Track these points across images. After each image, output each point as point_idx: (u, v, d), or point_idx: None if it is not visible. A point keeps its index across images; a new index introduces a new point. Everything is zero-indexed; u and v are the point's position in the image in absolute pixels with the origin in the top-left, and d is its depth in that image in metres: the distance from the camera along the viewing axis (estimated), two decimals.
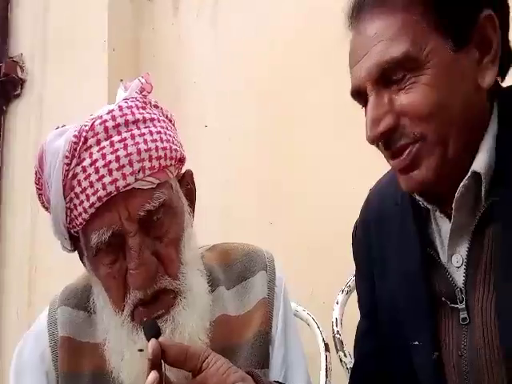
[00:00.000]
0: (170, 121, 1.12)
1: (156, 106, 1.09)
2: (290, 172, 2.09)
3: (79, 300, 1.17)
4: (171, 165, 1.06)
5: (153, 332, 0.88)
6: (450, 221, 0.88)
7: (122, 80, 1.12)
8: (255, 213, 2.13)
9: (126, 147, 0.98)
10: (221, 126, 2.27)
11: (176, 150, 1.06)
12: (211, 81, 2.32)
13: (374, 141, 0.85)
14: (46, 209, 1.09)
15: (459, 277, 0.89)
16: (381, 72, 0.81)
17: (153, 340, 0.85)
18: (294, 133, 2.10)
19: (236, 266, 1.21)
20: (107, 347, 1.07)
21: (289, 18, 2.16)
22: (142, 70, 2.43)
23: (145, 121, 1.03)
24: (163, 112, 1.10)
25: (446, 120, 0.80)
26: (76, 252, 1.13)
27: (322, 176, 1.98)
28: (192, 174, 1.17)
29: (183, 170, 1.16)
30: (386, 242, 1.03)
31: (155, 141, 1.02)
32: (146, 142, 1.00)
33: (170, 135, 1.07)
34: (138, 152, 0.99)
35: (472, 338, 0.87)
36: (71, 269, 1.25)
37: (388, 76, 0.81)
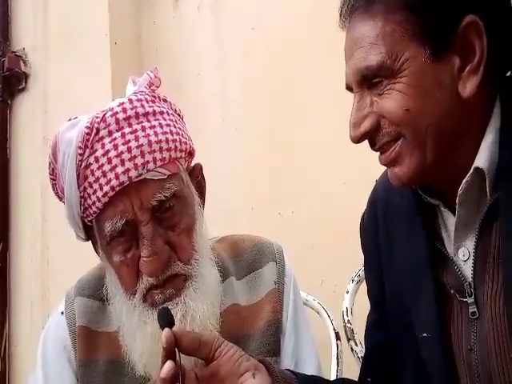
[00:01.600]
0: (179, 115, 1.15)
1: (165, 100, 1.12)
2: (298, 161, 2.10)
3: (93, 290, 1.20)
4: (181, 157, 1.09)
5: (167, 320, 0.90)
6: (454, 215, 0.89)
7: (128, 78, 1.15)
8: (265, 203, 2.14)
9: (137, 139, 1.01)
10: (226, 118, 2.29)
11: (185, 143, 1.09)
12: (215, 73, 2.33)
13: (356, 141, 0.88)
14: (60, 198, 1.12)
15: (467, 271, 0.90)
16: (361, 77, 0.85)
17: (166, 329, 0.87)
18: (303, 121, 2.10)
19: (246, 257, 1.24)
20: (121, 332, 1.11)
21: (291, 7, 2.16)
22: (144, 64, 2.47)
23: (154, 114, 1.06)
24: (172, 106, 1.13)
25: (420, 128, 0.81)
26: (89, 242, 1.17)
27: (333, 164, 1.98)
28: (201, 167, 1.20)
29: (192, 164, 1.19)
30: (394, 235, 1.04)
31: (165, 133, 1.05)
32: (156, 134, 1.03)
33: (180, 128, 1.10)
34: (149, 143, 1.02)
35: (481, 332, 0.87)
36: (83, 259, 1.30)
37: (368, 81, 0.85)
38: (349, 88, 0.91)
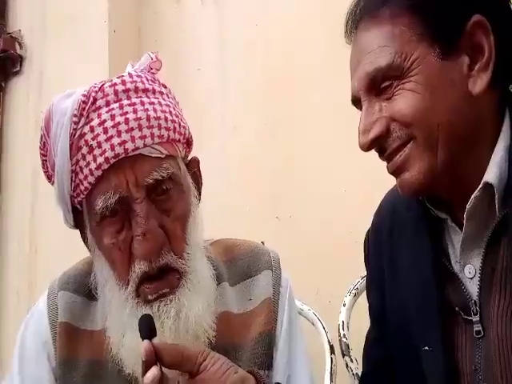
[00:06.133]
0: (177, 103, 1.11)
1: (164, 86, 1.08)
2: (298, 162, 2.06)
3: (79, 285, 1.15)
4: (179, 141, 1.05)
5: (148, 330, 0.85)
6: (462, 230, 0.88)
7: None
8: (262, 205, 2.09)
9: (135, 111, 0.98)
10: (225, 116, 2.25)
11: (184, 128, 1.06)
12: (215, 69, 2.28)
13: (365, 148, 0.87)
14: (49, 178, 1.07)
15: (473, 288, 0.88)
16: (369, 81, 0.84)
17: (146, 342, 0.83)
18: (304, 120, 2.06)
19: (240, 263, 1.19)
20: (109, 324, 1.06)
21: (296, 6, 2.12)
22: (143, 54, 2.37)
23: (154, 92, 1.03)
24: (171, 93, 1.10)
25: (431, 126, 0.81)
26: (78, 231, 1.12)
27: (334, 169, 1.94)
28: (198, 161, 1.16)
29: (189, 157, 1.15)
30: (399, 250, 1.02)
31: (164, 112, 1.02)
32: (155, 110, 1.00)
33: (179, 113, 1.07)
34: (148, 118, 0.98)
35: (487, 351, 0.85)
36: (73, 249, 1.24)
37: (377, 85, 0.84)
38: (355, 101, 0.91)
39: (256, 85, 2.18)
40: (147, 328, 0.86)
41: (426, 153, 0.82)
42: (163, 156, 1.00)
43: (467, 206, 0.84)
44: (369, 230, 1.15)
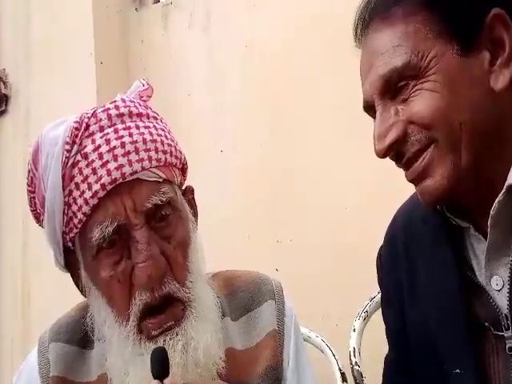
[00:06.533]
0: (170, 131, 1.07)
1: (157, 114, 1.05)
2: (298, 184, 2.01)
3: (72, 334, 1.08)
4: (176, 165, 1.02)
5: (160, 367, 0.81)
6: (485, 239, 0.82)
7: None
8: (262, 230, 2.03)
9: (131, 135, 0.95)
10: (219, 140, 2.20)
11: (180, 152, 1.03)
12: (207, 93, 2.25)
13: (382, 155, 0.83)
14: (38, 218, 1.02)
15: (502, 301, 0.82)
16: (384, 83, 0.81)
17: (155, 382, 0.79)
18: (294, 144, 2.03)
19: (241, 295, 1.13)
20: (109, 366, 1.00)
21: (285, 23, 2.10)
22: (132, 84, 2.35)
23: (148, 116, 1.00)
24: (163, 120, 1.07)
25: (453, 126, 0.76)
26: (69, 273, 1.05)
27: (335, 188, 1.90)
28: (193, 190, 1.12)
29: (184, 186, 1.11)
30: (417, 263, 0.97)
31: (160, 135, 0.99)
32: (151, 133, 0.97)
33: (174, 139, 1.04)
34: (144, 141, 0.95)
35: None
36: (66, 292, 1.17)
37: (392, 87, 0.81)
38: (368, 107, 0.87)
39: (250, 106, 2.14)
40: (161, 365, 0.82)
41: (448, 155, 0.78)
42: (161, 180, 0.96)
43: (491, 212, 0.79)
44: (380, 251, 1.09)
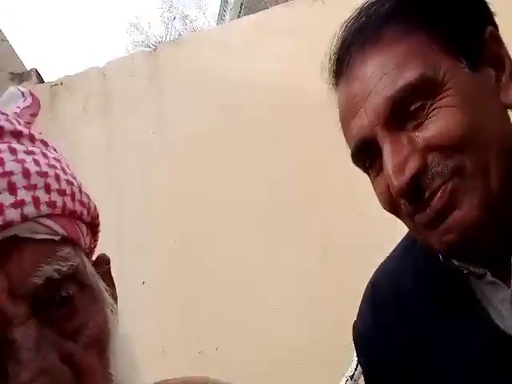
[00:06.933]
0: (69, 166, 0.68)
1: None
2: (215, 288, 1.87)
3: None
4: (81, 216, 0.65)
5: None
6: (506, 284, 0.72)
7: None
8: (178, 342, 1.83)
9: (1, 163, 0.57)
10: (123, 238, 1.97)
11: (88, 197, 0.67)
12: (107, 187, 2.01)
13: (402, 192, 0.68)
14: None
15: None
16: (393, 107, 0.68)
17: None
18: (213, 242, 1.90)
19: None
20: None
21: (195, 108, 2.01)
22: None
23: (33, 139, 0.62)
24: (57, 150, 0.68)
25: (482, 144, 0.67)
26: None
27: (264, 285, 1.79)
28: (109, 259, 0.74)
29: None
30: (421, 330, 0.83)
31: (54, 167, 0.62)
32: (37, 162, 0.60)
33: (75, 176, 0.67)
34: (26, 173, 0.57)
35: None
36: None
37: (402, 112, 0.68)
38: (360, 149, 0.72)
39: (157, 202, 1.97)
40: None
41: (478, 181, 0.66)
42: (57, 238, 0.59)
43: None
44: (360, 317, 0.94)
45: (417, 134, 0.68)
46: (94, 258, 0.70)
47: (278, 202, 1.85)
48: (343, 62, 0.75)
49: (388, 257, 0.93)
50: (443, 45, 0.70)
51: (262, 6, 5.82)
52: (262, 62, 2.21)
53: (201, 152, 1.95)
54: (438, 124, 0.67)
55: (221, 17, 9.84)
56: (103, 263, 0.71)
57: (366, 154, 0.73)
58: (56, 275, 0.56)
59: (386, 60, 0.70)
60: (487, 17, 0.75)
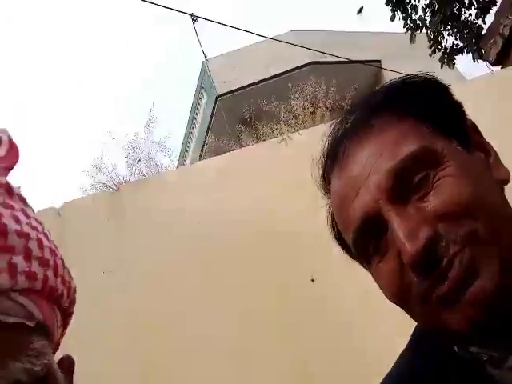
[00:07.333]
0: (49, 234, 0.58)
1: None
2: None
3: None
4: (60, 299, 0.52)
5: None
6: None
7: None
8: None
9: None
10: None
11: (70, 275, 0.55)
12: None
13: (418, 257, 0.62)
14: None
15: None
16: (395, 179, 0.66)
17: None
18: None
19: None
20: None
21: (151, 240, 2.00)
22: None
23: (11, 192, 0.52)
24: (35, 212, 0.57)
25: (490, 209, 0.65)
26: None
27: None
28: (74, 362, 0.60)
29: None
30: None
31: (35, 229, 0.51)
32: (18, 220, 0.49)
33: (57, 247, 0.55)
34: (1, 230, 0.46)
35: None
36: None
37: (406, 183, 0.66)
38: (367, 225, 0.68)
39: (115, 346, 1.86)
40: None
41: (494, 246, 0.63)
42: (32, 324, 0.47)
43: None
44: None
45: (424, 204, 0.65)
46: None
47: (247, 330, 1.78)
48: (337, 155, 0.73)
49: (392, 367, 0.83)
50: (433, 129, 0.70)
51: (223, 148, 6.06)
52: (220, 203, 2.24)
53: (162, 285, 1.93)
54: (445, 192, 0.65)
55: (182, 158, 10.18)
56: (68, 364, 0.59)
57: (370, 236, 0.69)
58: (25, 378, 0.43)
59: (383, 141, 0.69)
60: (463, 111, 0.77)
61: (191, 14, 6.75)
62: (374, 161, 0.68)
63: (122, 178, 2.54)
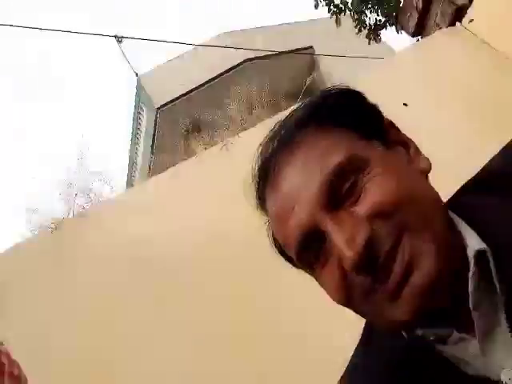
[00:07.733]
0: None
1: None
2: None
3: None
4: None
5: None
6: (473, 335, 0.68)
7: None
8: None
9: None
10: None
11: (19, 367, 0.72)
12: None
13: (358, 260, 0.65)
14: None
15: None
16: (327, 191, 0.69)
17: None
18: None
19: None
20: None
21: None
22: None
23: None
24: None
25: (416, 199, 0.69)
26: None
27: None
28: None
29: None
30: None
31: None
32: None
33: None
34: None
35: None
36: None
37: (337, 192, 0.70)
38: (306, 237, 0.70)
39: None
40: None
41: (425, 233, 0.67)
42: None
43: (469, 290, 0.67)
44: None
45: (356, 207, 0.69)
46: None
47: (201, 357, 1.75)
48: (268, 175, 0.76)
49: (348, 362, 0.86)
50: (355, 135, 0.74)
51: (171, 161, 5.99)
52: (163, 224, 2.20)
53: (109, 314, 1.90)
54: (374, 193, 0.68)
55: (131, 178, 10.02)
56: None
57: (310, 247, 0.71)
58: None
59: (309, 156, 0.72)
60: (379, 112, 0.81)
61: (115, 36, 6.63)
62: (303, 177, 0.71)
63: (61, 215, 2.47)
